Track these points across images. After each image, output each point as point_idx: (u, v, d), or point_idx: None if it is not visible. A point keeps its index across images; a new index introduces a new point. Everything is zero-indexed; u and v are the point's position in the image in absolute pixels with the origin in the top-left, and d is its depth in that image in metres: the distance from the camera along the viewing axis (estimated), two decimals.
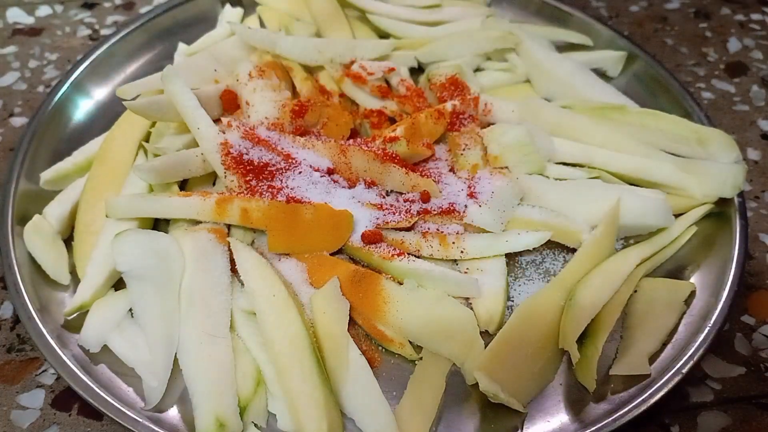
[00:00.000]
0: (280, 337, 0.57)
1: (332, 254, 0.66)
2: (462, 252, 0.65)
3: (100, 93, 0.82)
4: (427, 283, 0.63)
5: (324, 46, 0.79)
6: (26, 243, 0.66)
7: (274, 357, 0.57)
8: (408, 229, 0.67)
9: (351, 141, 0.74)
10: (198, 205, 0.65)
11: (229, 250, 0.64)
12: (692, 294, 0.65)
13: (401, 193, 0.70)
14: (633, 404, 0.57)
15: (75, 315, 0.62)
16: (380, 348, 0.62)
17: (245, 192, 0.66)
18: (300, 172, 0.69)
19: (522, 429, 0.57)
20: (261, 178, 0.67)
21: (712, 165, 0.71)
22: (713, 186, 0.70)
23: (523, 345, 0.59)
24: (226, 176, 0.67)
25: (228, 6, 0.91)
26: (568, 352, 0.59)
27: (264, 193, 0.66)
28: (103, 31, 0.97)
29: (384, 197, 0.70)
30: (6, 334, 0.66)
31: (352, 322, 0.62)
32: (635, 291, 0.65)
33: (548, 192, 0.70)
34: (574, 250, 0.68)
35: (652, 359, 0.61)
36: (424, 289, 0.62)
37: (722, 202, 0.71)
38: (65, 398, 0.62)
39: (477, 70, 0.85)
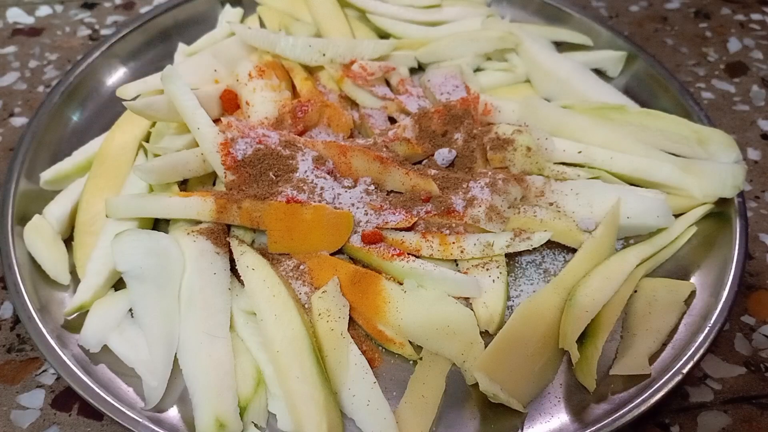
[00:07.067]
0: (280, 337, 0.57)
1: (332, 254, 0.66)
2: (462, 252, 0.65)
3: (100, 93, 0.82)
4: (427, 283, 0.63)
5: (324, 46, 0.79)
6: (26, 243, 0.66)
7: (274, 357, 0.57)
8: (408, 229, 0.67)
9: (351, 141, 0.74)
10: (198, 205, 0.65)
11: (229, 250, 0.64)
12: (692, 294, 0.65)
13: (401, 193, 0.70)
14: (633, 404, 0.57)
15: (75, 315, 0.62)
16: (380, 348, 0.62)
17: (245, 192, 0.66)
18: (300, 173, 0.68)
19: (522, 429, 0.57)
20: (261, 178, 0.67)
21: (712, 165, 0.71)
22: (713, 186, 0.70)
23: (523, 345, 0.59)
24: (226, 176, 0.67)
25: (228, 6, 0.91)
26: (568, 352, 0.59)
27: (264, 193, 0.66)
28: (103, 31, 0.97)
29: (384, 197, 0.70)
30: (6, 334, 0.66)
31: (352, 322, 0.62)
32: (635, 291, 0.65)
33: (548, 192, 0.70)
34: (574, 250, 0.68)
35: (652, 359, 0.61)
36: (424, 289, 0.62)
37: (722, 202, 0.71)
38: (65, 398, 0.62)
39: (477, 70, 0.85)
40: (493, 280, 0.64)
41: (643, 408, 0.57)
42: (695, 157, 0.73)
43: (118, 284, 0.64)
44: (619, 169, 0.72)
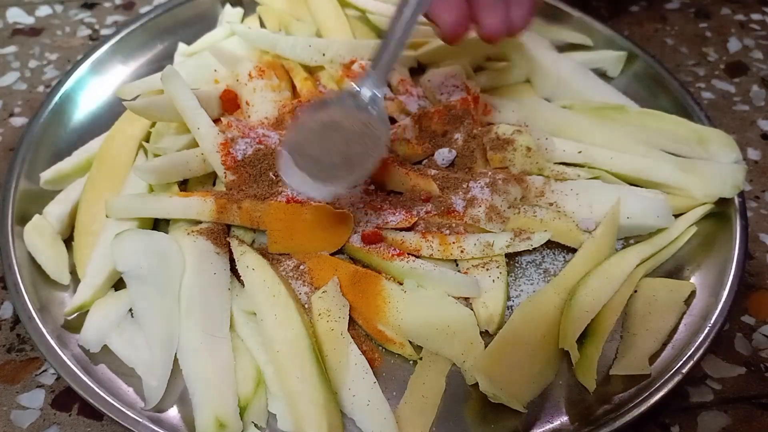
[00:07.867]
0: (280, 337, 0.57)
1: (332, 254, 0.66)
2: (462, 252, 0.65)
3: (100, 93, 0.82)
4: (427, 283, 0.63)
5: (324, 46, 0.79)
6: (26, 243, 0.66)
7: (274, 357, 0.57)
8: (408, 229, 0.67)
9: None
10: (198, 205, 0.65)
11: (229, 250, 0.64)
12: (692, 294, 0.65)
13: (401, 193, 0.70)
14: (633, 404, 0.57)
15: (75, 315, 0.62)
16: (380, 348, 0.62)
17: (245, 192, 0.66)
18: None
19: (522, 429, 0.57)
20: (261, 178, 0.67)
21: (712, 165, 0.71)
22: (713, 186, 0.70)
23: (523, 345, 0.59)
24: (226, 176, 0.67)
25: (228, 6, 0.91)
26: (568, 352, 0.59)
27: (264, 193, 0.66)
28: (103, 31, 0.97)
29: (384, 197, 0.70)
30: (6, 334, 0.66)
31: (352, 322, 0.62)
32: (635, 291, 0.65)
33: (548, 192, 0.70)
34: (574, 250, 0.68)
35: (652, 359, 0.61)
36: (424, 289, 0.62)
37: (722, 202, 0.70)
38: (65, 398, 0.62)
39: (477, 70, 0.85)
40: (493, 280, 0.64)
41: (643, 408, 0.57)
42: (695, 157, 0.73)
43: (118, 284, 0.64)
44: (619, 169, 0.72)
